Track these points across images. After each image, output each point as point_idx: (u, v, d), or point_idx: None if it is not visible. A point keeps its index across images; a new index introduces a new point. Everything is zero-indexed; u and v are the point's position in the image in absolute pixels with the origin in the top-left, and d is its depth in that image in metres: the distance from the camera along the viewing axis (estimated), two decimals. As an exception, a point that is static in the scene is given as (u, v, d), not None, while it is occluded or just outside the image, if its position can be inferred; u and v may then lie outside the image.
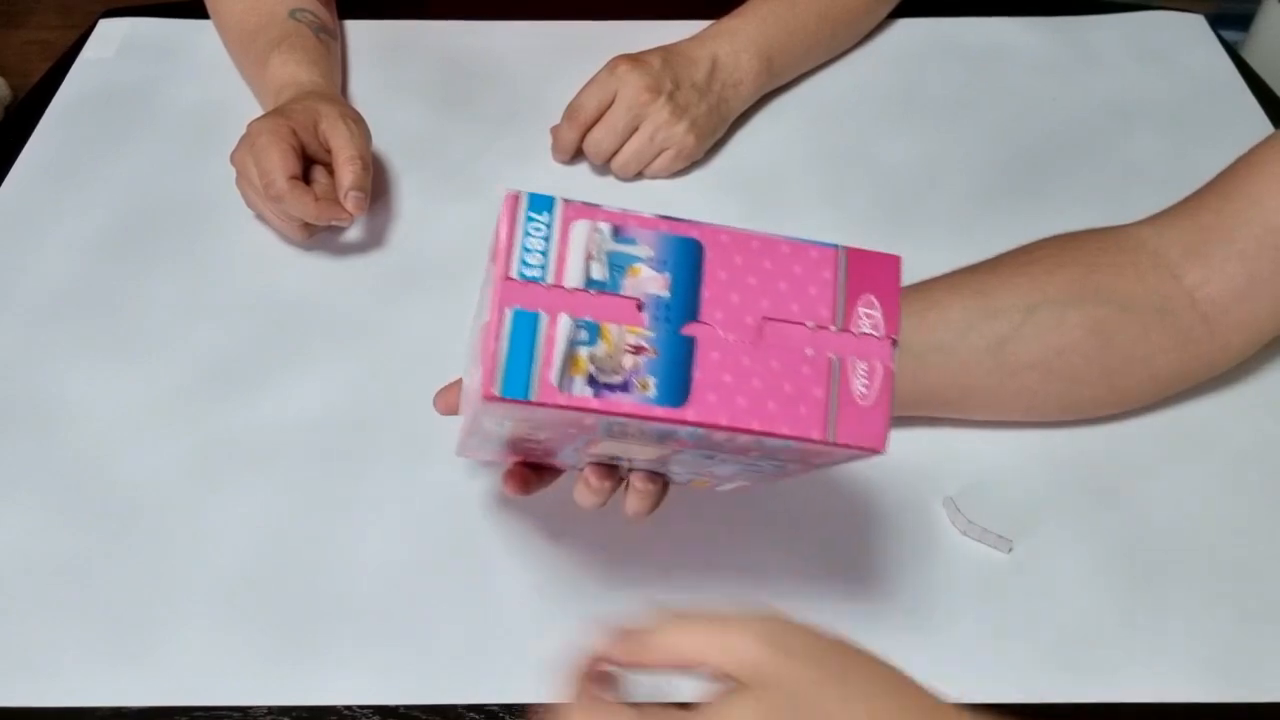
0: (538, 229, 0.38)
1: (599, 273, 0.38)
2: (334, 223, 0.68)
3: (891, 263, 0.40)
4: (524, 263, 0.37)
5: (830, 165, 0.78)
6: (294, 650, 0.53)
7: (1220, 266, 0.56)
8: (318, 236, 0.72)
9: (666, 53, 0.76)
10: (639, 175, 0.77)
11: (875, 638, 0.53)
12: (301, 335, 0.67)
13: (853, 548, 0.57)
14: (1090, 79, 0.84)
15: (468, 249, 0.72)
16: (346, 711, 0.51)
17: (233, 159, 0.69)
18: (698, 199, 0.76)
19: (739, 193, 0.76)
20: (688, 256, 0.39)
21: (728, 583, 0.55)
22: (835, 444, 0.38)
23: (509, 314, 0.37)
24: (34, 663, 0.53)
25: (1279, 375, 0.64)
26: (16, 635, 0.54)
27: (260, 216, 0.72)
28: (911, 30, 0.89)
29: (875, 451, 0.38)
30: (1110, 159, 0.78)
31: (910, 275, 0.59)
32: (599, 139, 0.75)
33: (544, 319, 0.37)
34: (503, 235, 0.37)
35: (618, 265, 0.38)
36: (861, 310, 0.40)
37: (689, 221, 0.40)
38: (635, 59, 0.75)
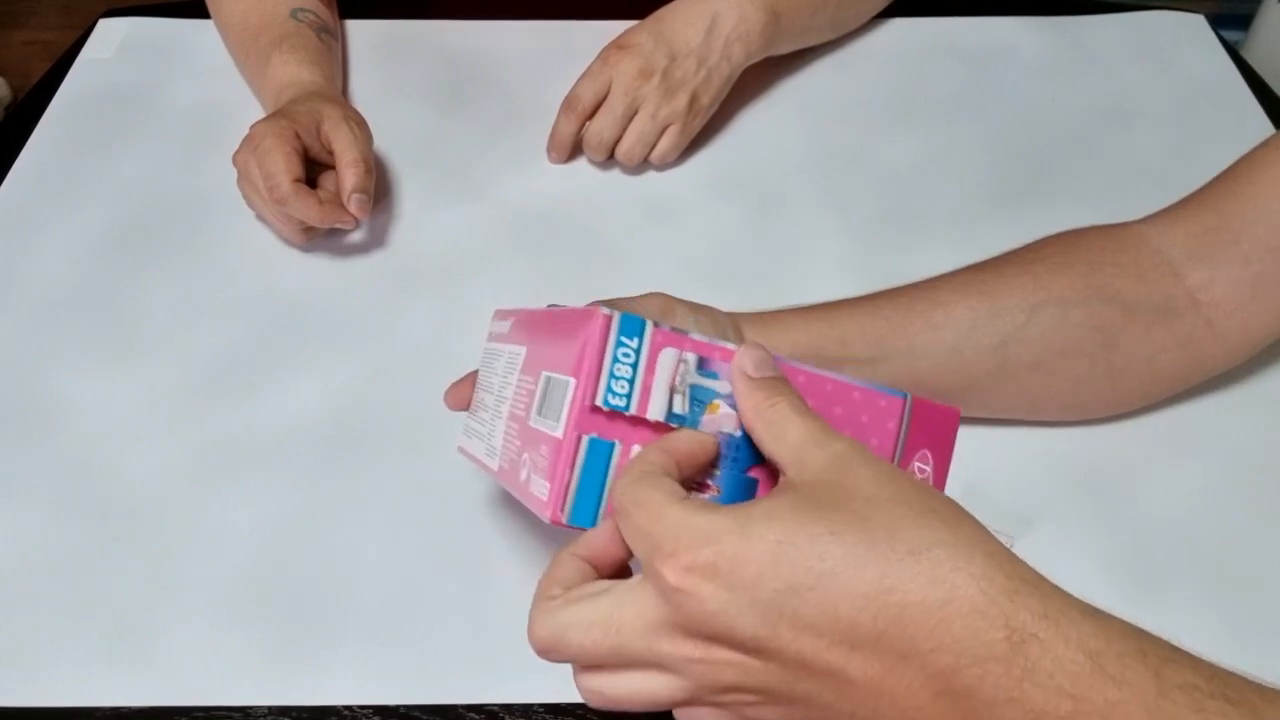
0: (626, 355, 0.37)
1: (680, 406, 0.38)
2: (337, 225, 0.69)
3: (951, 416, 0.41)
4: (610, 390, 0.37)
5: (830, 165, 0.78)
6: (294, 650, 0.53)
7: (1224, 268, 0.56)
8: (317, 237, 0.72)
9: (658, 23, 0.75)
10: (645, 163, 0.76)
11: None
12: (301, 335, 0.67)
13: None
14: (1090, 79, 0.84)
15: (467, 249, 0.72)
16: (346, 711, 0.51)
17: (235, 160, 0.69)
18: (699, 199, 0.76)
19: (740, 193, 0.76)
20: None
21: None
22: None
23: (585, 441, 0.37)
24: (34, 663, 0.53)
25: (1278, 375, 0.64)
26: (16, 635, 0.54)
27: (260, 217, 0.72)
28: (911, 30, 0.89)
29: None
30: (1110, 159, 0.78)
31: (911, 275, 0.60)
32: (600, 128, 0.75)
33: (618, 449, 0.37)
34: (589, 358, 0.37)
35: (699, 400, 0.38)
36: (916, 465, 0.40)
37: (775, 356, 0.39)
38: (625, 45, 0.74)
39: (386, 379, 0.65)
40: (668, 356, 0.37)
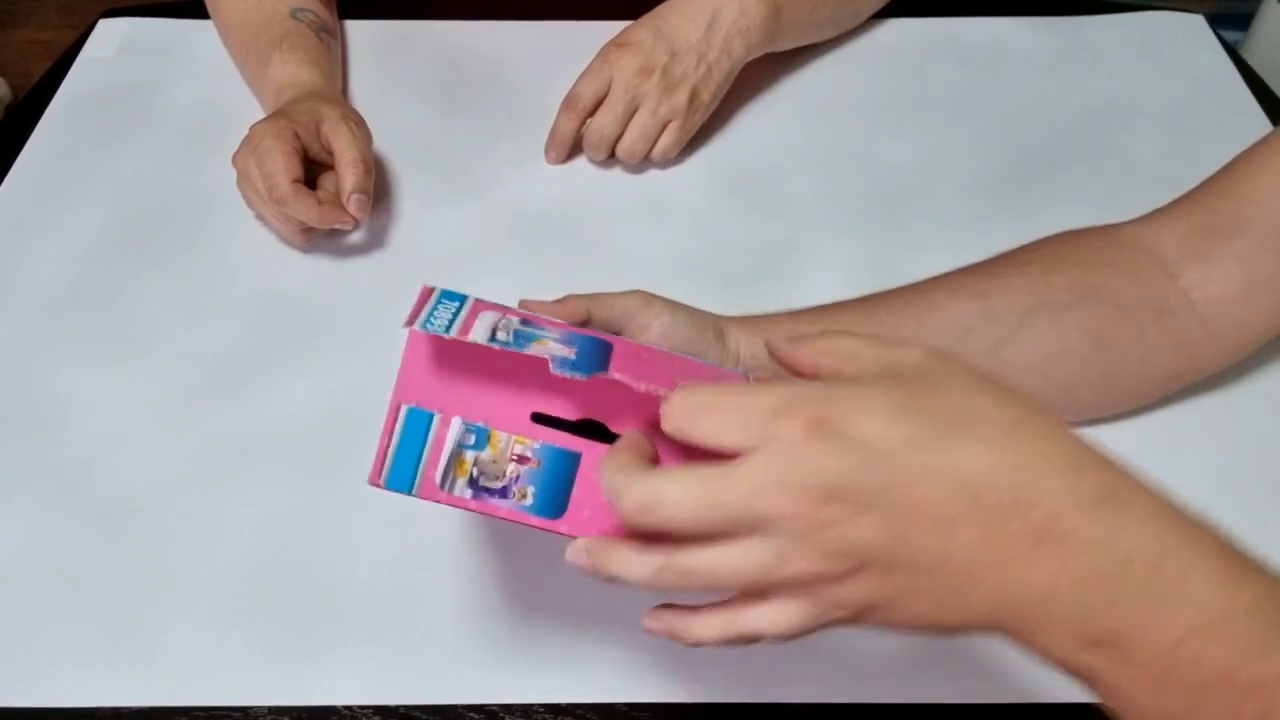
0: (447, 309, 0.40)
1: (504, 338, 0.39)
2: (337, 226, 0.69)
3: None
4: (430, 320, 0.38)
5: (830, 165, 0.78)
6: (294, 650, 0.53)
7: (1218, 266, 0.56)
8: (317, 238, 0.72)
9: (658, 19, 0.75)
10: (646, 160, 0.76)
11: (876, 637, 0.53)
12: (301, 335, 0.67)
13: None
14: (1090, 79, 0.84)
15: (467, 249, 0.72)
16: (346, 711, 0.51)
17: (235, 161, 0.69)
18: (698, 199, 0.76)
19: (739, 193, 0.76)
20: (597, 351, 0.40)
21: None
22: None
23: (404, 410, 0.39)
24: (34, 663, 0.53)
25: (1278, 375, 0.64)
26: (16, 635, 0.54)
27: (260, 217, 0.72)
28: (911, 30, 0.89)
29: None
30: (1110, 159, 0.78)
31: (910, 275, 0.60)
32: (601, 125, 0.75)
33: (437, 419, 0.39)
34: (411, 314, 0.39)
35: (524, 337, 0.39)
36: None
37: (617, 338, 0.42)
38: (625, 42, 0.74)
39: (386, 379, 0.64)
40: (488, 315, 0.40)
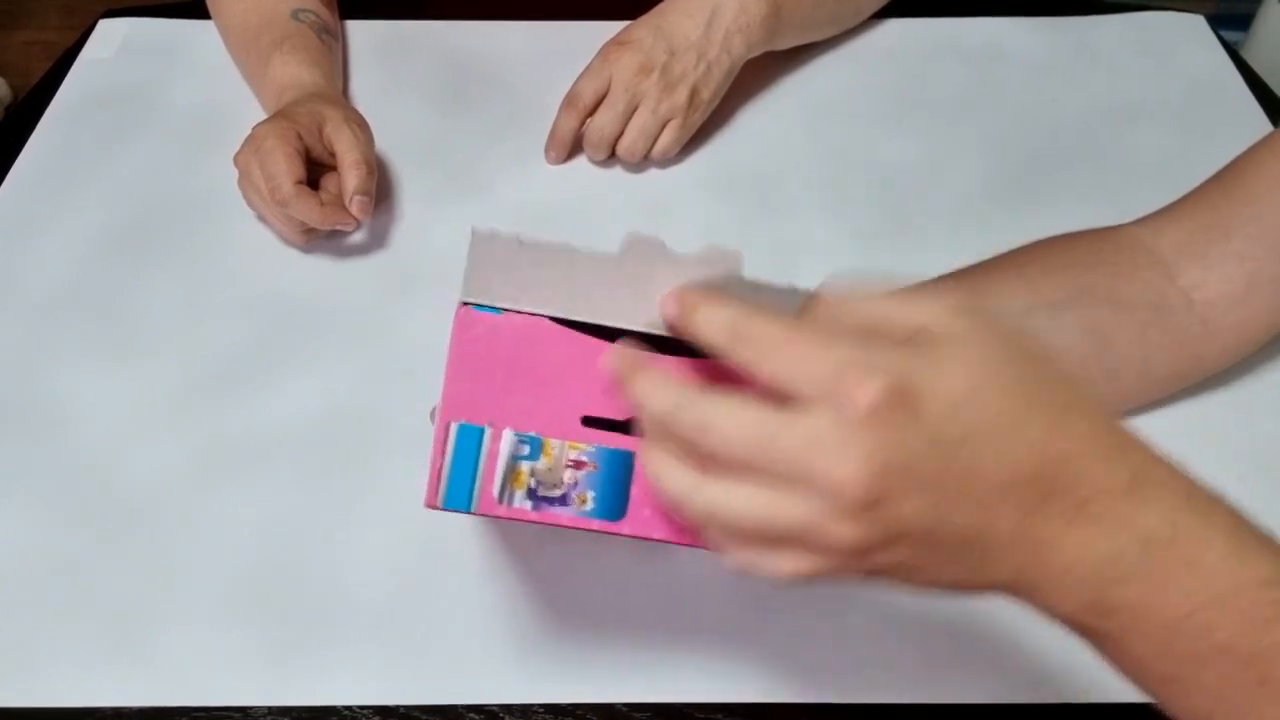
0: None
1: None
2: (338, 227, 0.69)
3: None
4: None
5: (830, 165, 0.78)
6: (294, 650, 0.53)
7: (1218, 266, 0.56)
8: (318, 238, 0.72)
9: (658, 18, 0.75)
10: (646, 159, 0.76)
11: (876, 636, 0.53)
12: (302, 335, 0.67)
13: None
14: (1090, 79, 0.84)
15: (467, 248, 0.72)
16: (346, 711, 0.51)
17: (237, 161, 0.69)
18: (698, 199, 0.76)
19: (738, 193, 0.76)
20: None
21: (733, 578, 0.55)
22: None
23: (454, 428, 0.39)
24: (34, 663, 0.53)
25: (1277, 375, 0.64)
26: (16, 635, 0.54)
27: (261, 217, 0.72)
28: (911, 30, 0.89)
29: None
30: (1110, 159, 0.78)
31: (910, 275, 0.60)
32: (601, 123, 0.75)
33: (488, 433, 0.39)
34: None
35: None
36: None
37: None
38: (625, 41, 0.74)
39: (387, 379, 0.65)
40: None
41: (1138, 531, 0.34)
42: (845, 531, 0.33)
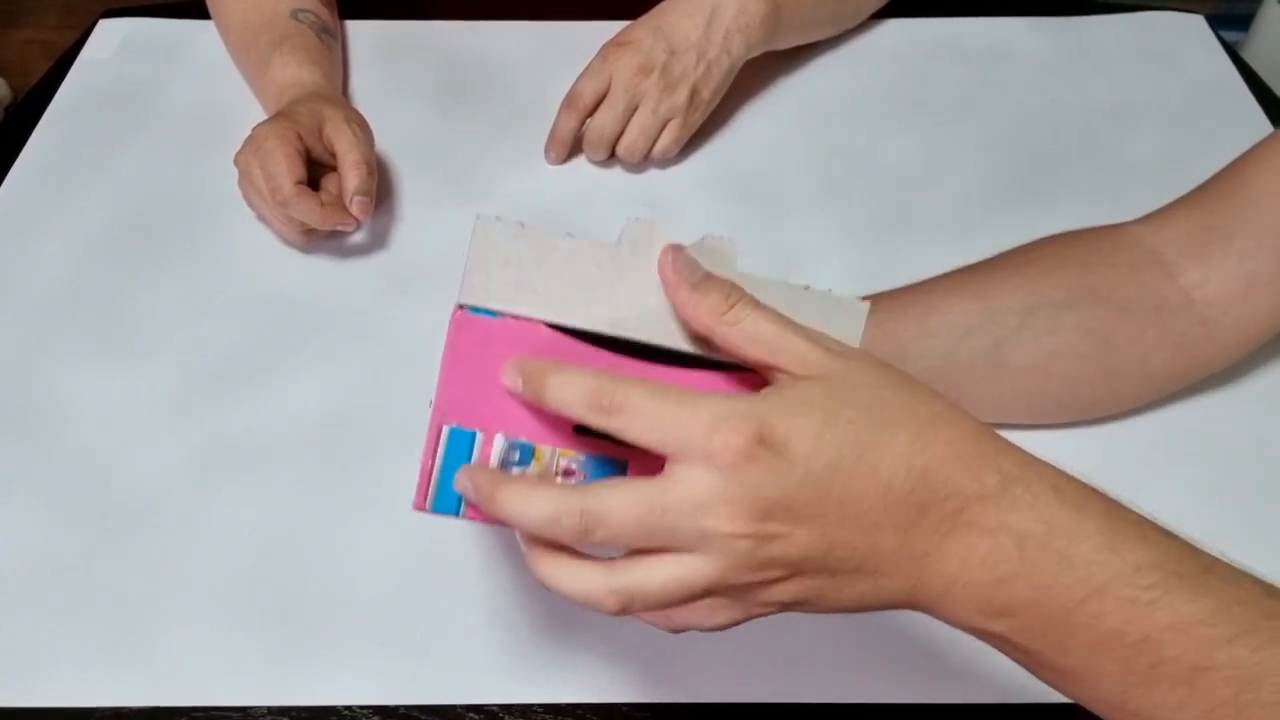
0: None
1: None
2: (339, 227, 0.69)
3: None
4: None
5: (830, 165, 0.78)
6: (294, 650, 0.53)
7: (1218, 266, 0.56)
8: (318, 238, 0.72)
9: (658, 18, 0.75)
10: (646, 159, 0.76)
11: (875, 636, 0.53)
12: (301, 335, 0.67)
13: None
14: (1090, 79, 0.84)
15: (467, 248, 0.72)
16: (346, 711, 0.51)
17: (237, 161, 0.69)
18: (698, 199, 0.76)
19: (738, 193, 0.76)
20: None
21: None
22: None
23: (445, 431, 0.38)
24: (34, 663, 0.53)
25: (1277, 375, 0.64)
26: (16, 635, 0.54)
27: (261, 217, 0.72)
28: (911, 30, 0.89)
29: None
30: (1110, 159, 0.78)
31: (910, 275, 0.60)
32: (601, 123, 0.75)
33: (479, 438, 0.39)
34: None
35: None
36: None
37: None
38: (625, 41, 0.74)
39: (386, 379, 0.65)
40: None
41: (1012, 533, 0.35)
42: (748, 574, 0.35)
